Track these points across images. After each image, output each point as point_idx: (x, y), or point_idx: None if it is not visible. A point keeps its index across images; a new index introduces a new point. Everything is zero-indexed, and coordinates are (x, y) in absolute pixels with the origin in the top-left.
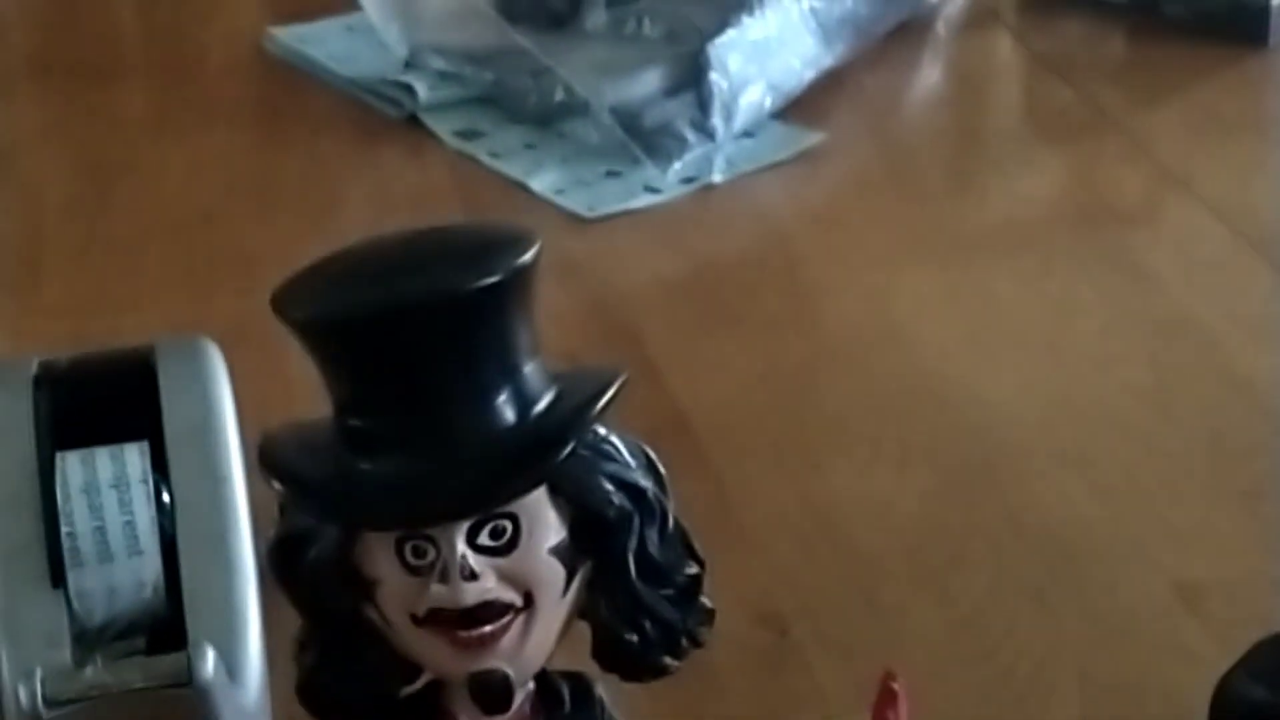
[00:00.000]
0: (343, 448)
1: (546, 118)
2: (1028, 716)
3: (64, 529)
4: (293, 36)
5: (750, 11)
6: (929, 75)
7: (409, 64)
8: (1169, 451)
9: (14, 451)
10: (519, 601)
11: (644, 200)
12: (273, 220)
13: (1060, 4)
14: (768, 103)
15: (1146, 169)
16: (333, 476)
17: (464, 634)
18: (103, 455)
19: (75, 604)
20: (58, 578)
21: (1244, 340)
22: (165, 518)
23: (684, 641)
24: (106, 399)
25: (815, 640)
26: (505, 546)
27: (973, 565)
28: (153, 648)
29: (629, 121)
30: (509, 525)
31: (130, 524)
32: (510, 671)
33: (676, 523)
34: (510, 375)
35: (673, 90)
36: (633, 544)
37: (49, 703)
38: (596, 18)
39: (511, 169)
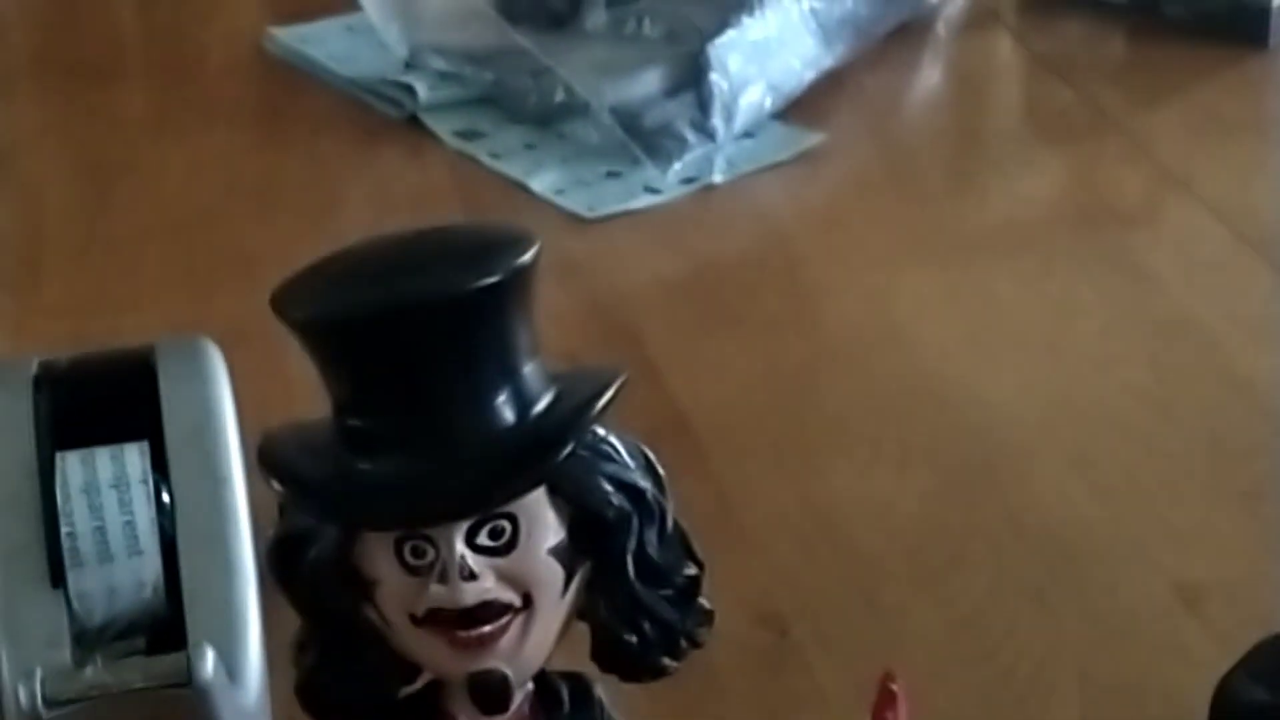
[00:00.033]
0: (342, 448)
1: (547, 118)
2: (1028, 717)
3: (64, 529)
4: (293, 36)
5: (750, 12)
6: (929, 76)
7: (409, 64)
8: (1169, 452)
9: (14, 451)
10: (518, 602)
11: (644, 200)
12: (273, 220)
13: (1060, 5)
14: (768, 103)
15: (1147, 170)
16: (332, 476)
17: (463, 634)
18: (103, 455)
19: (75, 604)
20: (57, 578)
21: (1244, 341)
22: (165, 518)
23: (683, 642)
24: (106, 399)
25: (815, 641)
26: (504, 547)
27: (973, 566)
28: (152, 648)
29: (629, 122)
30: (508, 525)
31: (130, 524)
32: (509, 672)
33: (675, 524)
34: (510, 375)
35: (673, 90)
36: (631, 545)
37: (49, 703)
38: (597, 18)
39: (512, 169)
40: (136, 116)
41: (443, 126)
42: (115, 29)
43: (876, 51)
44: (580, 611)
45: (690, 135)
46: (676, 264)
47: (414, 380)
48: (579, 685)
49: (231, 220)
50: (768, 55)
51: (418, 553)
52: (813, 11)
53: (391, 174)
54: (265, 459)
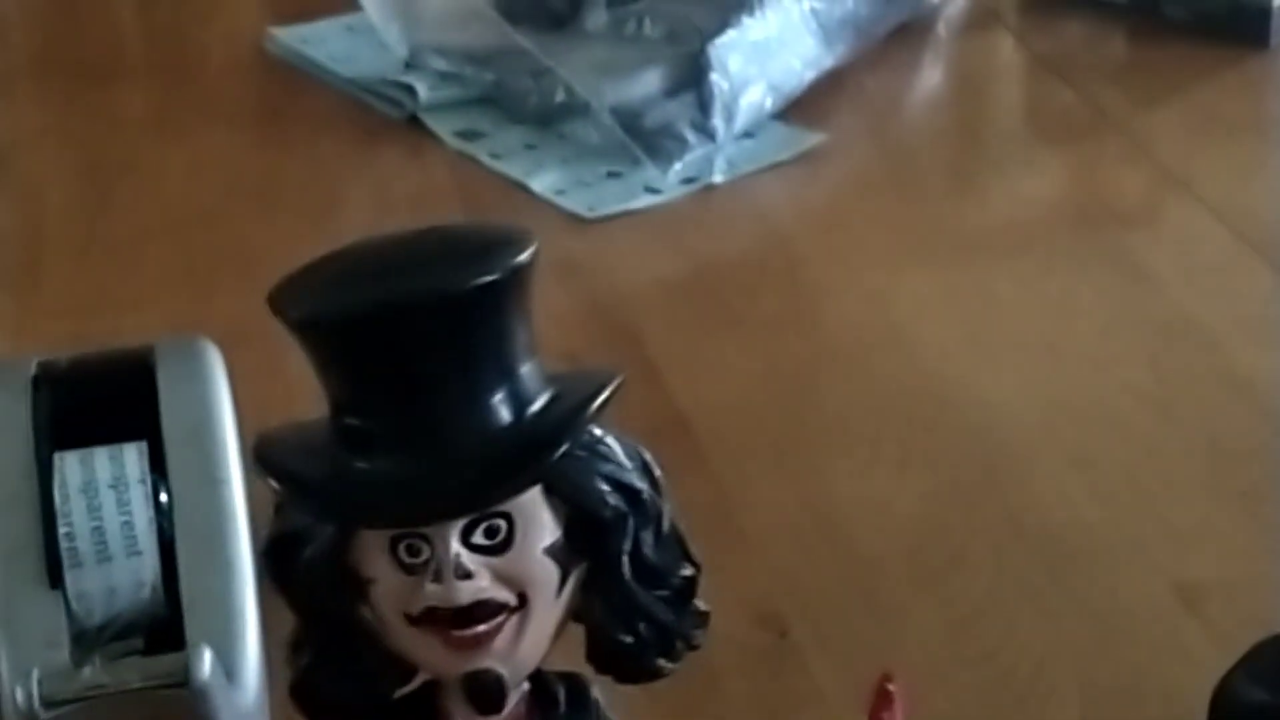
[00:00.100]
0: (338, 447)
1: (547, 118)
2: (1027, 717)
3: (62, 529)
4: (293, 37)
5: (751, 12)
6: (929, 76)
7: (409, 64)
8: (1169, 452)
9: (12, 451)
10: (513, 601)
11: (644, 201)
12: (273, 220)
13: (1061, 5)
14: (768, 103)
15: (1147, 170)
16: (328, 475)
17: (458, 633)
18: (101, 455)
19: (73, 604)
20: (56, 578)
21: (1244, 341)
22: (163, 518)
23: (679, 644)
24: (105, 399)
25: (815, 641)
26: (500, 546)
27: (972, 566)
28: (151, 648)
29: (629, 122)
30: (503, 525)
31: (128, 524)
32: (504, 672)
33: (672, 524)
34: (506, 375)
35: (673, 91)
36: (627, 545)
37: (47, 703)
38: (597, 18)
39: (512, 169)
40: (137, 116)
41: (443, 127)
42: (116, 29)
43: (877, 52)
44: (576, 613)
45: (690, 135)
46: (677, 264)
47: (410, 379)
48: (575, 685)
49: (232, 220)
50: (768, 55)
51: (413, 551)
52: (813, 11)
53: (392, 174)
54: (262, 458)
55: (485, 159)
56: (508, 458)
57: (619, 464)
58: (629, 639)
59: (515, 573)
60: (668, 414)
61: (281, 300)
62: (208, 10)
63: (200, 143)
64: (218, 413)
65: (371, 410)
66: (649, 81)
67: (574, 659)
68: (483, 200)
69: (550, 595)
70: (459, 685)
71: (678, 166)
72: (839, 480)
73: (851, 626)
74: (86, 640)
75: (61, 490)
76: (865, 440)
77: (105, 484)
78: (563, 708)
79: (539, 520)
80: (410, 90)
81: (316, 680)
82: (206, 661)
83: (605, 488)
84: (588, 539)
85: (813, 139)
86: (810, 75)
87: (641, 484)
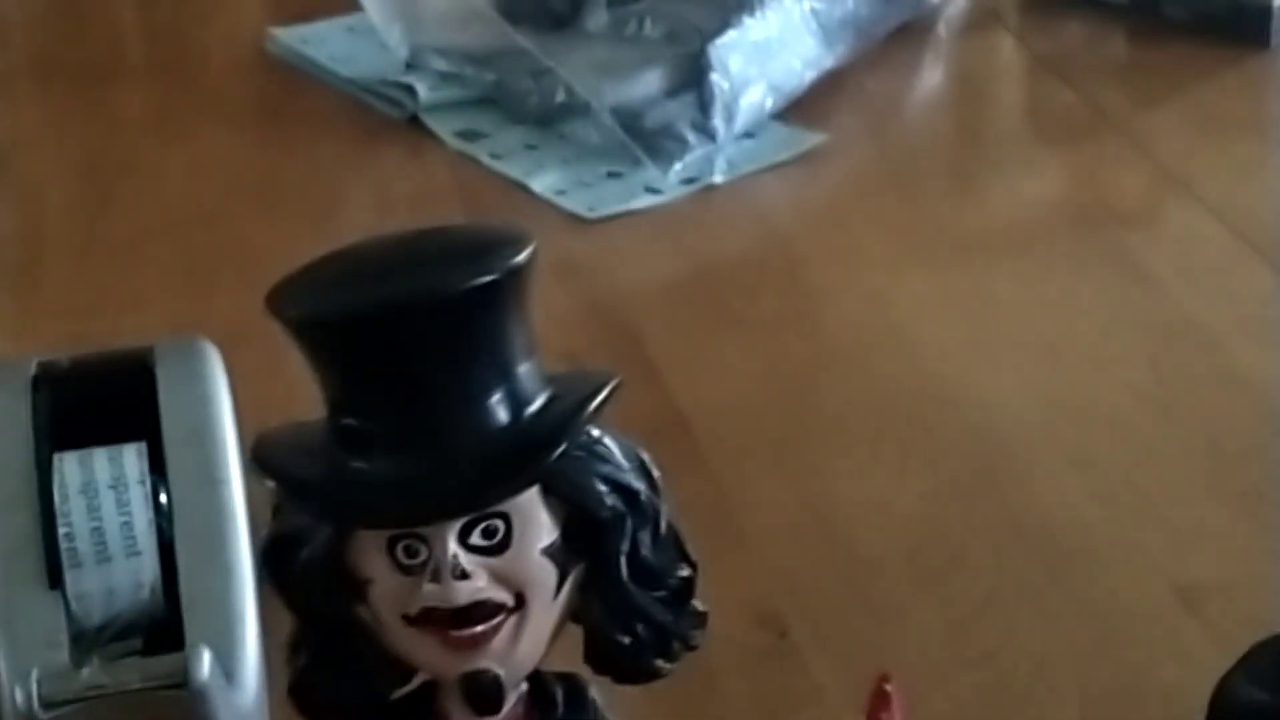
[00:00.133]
0: (336, 447)
1: (547, 118)
2: (1027, 718)
3: (61, 529)
4: (294, 37)
5: (751, 12)
6: (930, 76)
7: (410, 65)
8: (1169, 453)
9: (12, 452)
10: (511, 602)
11: (645, 201)
12: (273, 221)
13: (1061, 5)
14: (769, 104)
15: (1147, 170)
16: (326, 476)
17: (455, 634)
18: (100, 456)
19: (73, 605)
20: (55, 578)
21: (1244, 342)
22: (163, 519)
23: (676, 644)
24: (105, 400)
25: (814, 641)
26: (497, 546)
27: (972, 567)
28: (150, 649)
29: (630, 122)
30: (501, 525)
31: (128, 525)
32: (502, 672)
33: (670, 525)
34: (504, 376)
35: (674, 91)
36: (625, 546)
37: (46, 704)
38: (597, 18)
39: (512, 170)
40: (137, 116)
41: (443, 127)
42: (116, 29)
43: (877, 52)
44: (574, 613)
45: (691, 136)
46: (677, 264)
47: (408, 380)
48: (573, 686)
49: (232, 220)
50: (768, 56)
51: (410, 552)
52: (814, 12)
53: (392, 174)
54: (259, 458)
55: (485, 159)
56: (506, 458)
57: (617, 464)
58: (627, 639)
59: (513, 573)
60: (668, 414)
61: (279, 301)
62: (208, 10)
63: (200, 143)
64: (217, 413)
65: (369, 411)
66: (649, 82)
67: (572, 659)
68: (483, 200)
69: (548, 596)
70: (457, 686)
71: (678, 167)
72: (839, 480)
73: (851, 627)
74: (86, 641)
75: (61, 491)
76: (865, 440)
77: (105, 484)
78: (561, 708)
79: (537, 521)
80: (411, 90)
81: (315, 681)
82: (205, 662)
83: (603, 488)
84: (585, 539)
85: (813, 139)
86: (810, 75)
87: (639, 484)
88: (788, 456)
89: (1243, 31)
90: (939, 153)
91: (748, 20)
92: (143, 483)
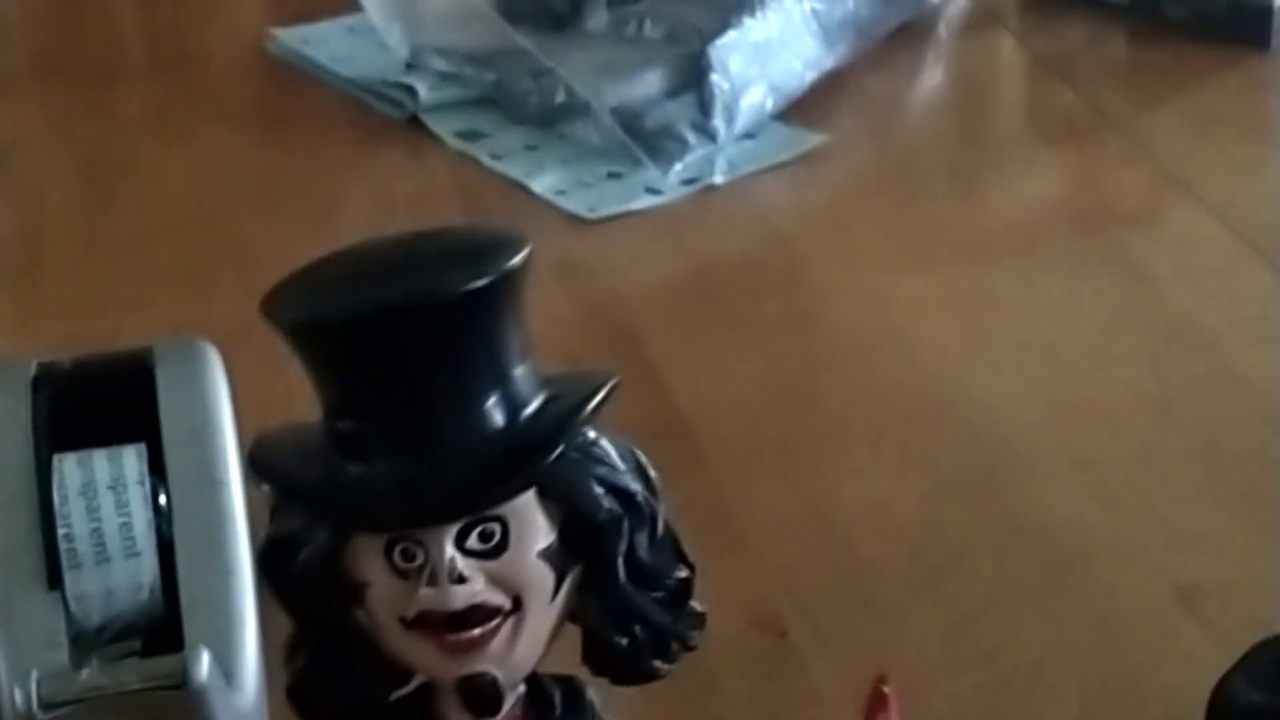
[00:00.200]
0: (333, 450)
1: (547, 119)
2: (1026, 718)
3: (61, 530)
4: (294, 37)
5: (751, 13)
6: (930, 77)
7: (410, 65)
8: (1169, 454)
9: (11, 453)
10: (508, 605)
11: (645, 202)
12: (273, 221)
13: (1061, 5)
14: (769, 104)
15: (1147, 171)
16: (323, 479)
17: (452, 637)
18: (100, 457)
19: (72, 605)
20: (55, 579)
21: (1244, 342)
22: (162, 520)
23: (674, 645)
24: (104, 401)
25: (814, 642)
26: (494, 550)
27: (972, 568)
28: (149, 650)
29: (630, 123)
30: (498, 528)
31: (127, 526)
32: (499, 675)
33: (667, 526)
34: (500, 378)
35: (674, 91)
36: (622, 548)
37: (45, 704)
38: (598, 19)
39: (512, 170)
40: (137, 117)
41: (443, 127)
42: (116, 29)
43: (878, 52)
44: (572, 614)
45: (691, 136)
46: (677, 265)
47: (404, 383)
48: (571, 688)
49: (232, 221)
50: (769, 56)
51: (407, 555)
52: (814, 12)
53: (392, 175)
54: (256, 461)
55: (486, 160)
56: (502, 461)
57: (613, 466)
58: (624, 641)
59: (510, 576)
60: (668, 415)
61: (274, 305)
62: (209, 11)
63: (201, 143)
64: (217, 414)
65: (365, 414)
66: (650, 82)
67: (570, 661)
68: (483, 201)
69: (545, 598)
70: (455, 688)
71: (678, 167)
72: (839, 481)
73: (851, 627)
74: (85, 642)
75: (60, 492)
76: (865, 441)
77: (104, 486)
78: (559, 710)
79: (534, 524)
80: (411, 91)
81: (313, 683)
82: (204, 663)
83: (600, 490)
84: (583, 542)
85: (813, 140)
86: (811, 76)
87: (636, 486)
88: (788, 457)
89: (1243, 32)
90: (939, 153)
91: (748, 21)
92: (142, 484)
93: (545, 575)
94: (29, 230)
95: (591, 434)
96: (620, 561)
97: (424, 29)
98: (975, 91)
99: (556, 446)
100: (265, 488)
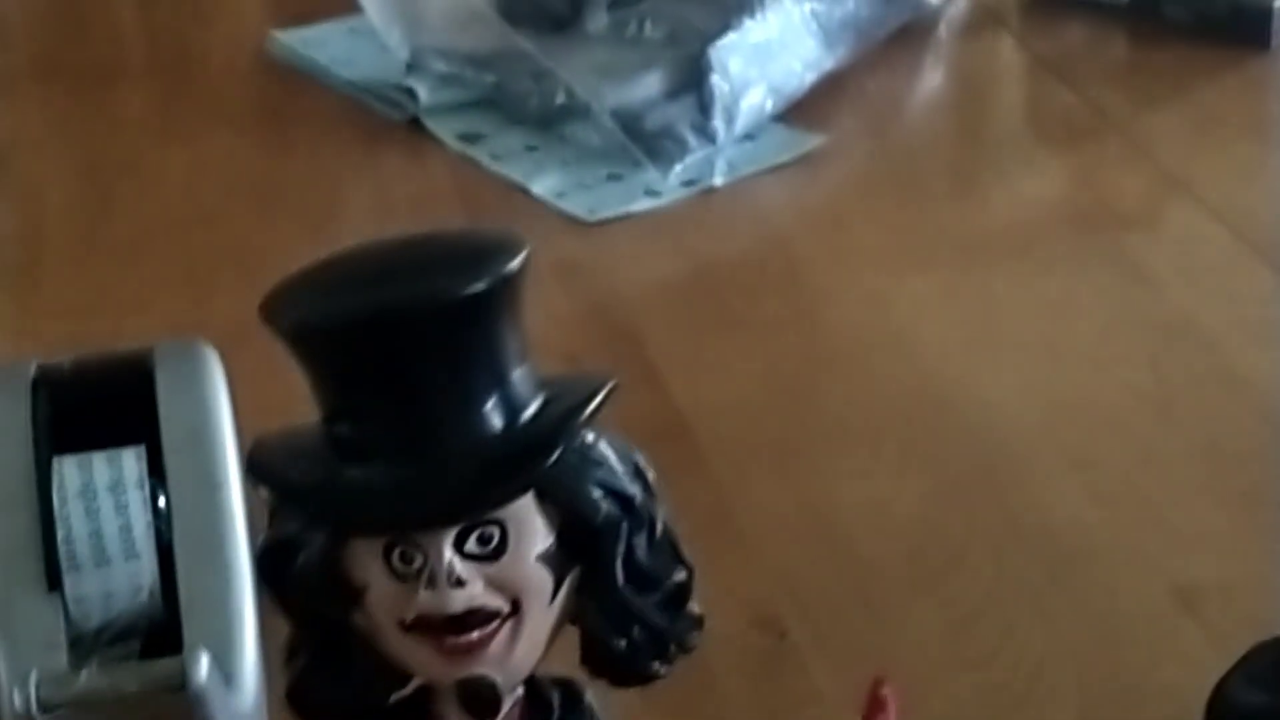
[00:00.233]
0: (331, 454)
1: (548, 120)
2: (1026, 719)
3: (60, 532)
4: (295, 39)
5: (751, 14)
6: (930, 78)
7: (410, 67)
8: (1168, 454)
9: (11, 455)
10: (506, 608)
11: (645, 203)
12: (274, 222)
13: (1062, 7)
14: (769, 105)
15: (1148, 171)
16: (321, 482)
17: (451, 640)
18: (99, 459)
19: (71, 608)
20: (54, 581)
21: (1244, 343)
22: (162, 522)
23: (672, 648)
24: (104, 403)
25: (813, 643)
26: (493, 553)
27: (972, 568)
28: (148, 652)
29: (630, 124)
30: (496, 532)
31: (126, 528)
32: (498, 678)
33: (665, 529)
34: (498, 381)
35: (674, 93)
36: (621, 550)
37: (44, 707)
38: (598, 20)
39: (512, 172)
40: (138, 118)
41: (444, 129)
42: (117, 30)
43: (878, 53)
44: (570, 616)
45: (691, 138)
46: (677, 266)
47: (402, 386)
48: (570, 691)
49: (232, 222)
50: (769, 57)
51: (406, 559)
52: (814, 14)
53: (393, 177)
54: (255, 465)
55: (486, 161)
56: (501, 464)
57: (612, 469)
58: (623, 643)
59: (508, 580)
60: (668, 416)
61: (272, 308)
62: (209, 12)
63: (201, 144)
64: (216, 417)
65: (363, 417)
66: (649, 84)
67: (569, 664)
68: (483, 203)
69: (544, 602)
70: (453, 691)
71: (678, 169)
72: (839, 481)
73: (851, 628)
74: (84, 644)
75: (59, 494)
76: (865, 441)
77: (103, 488)
78: (557, 712)
79: (532, 527)
80: (411, 93)
81: (312, 685)
82: (204, 665)
83: (598, 493)
84: (581, 544)
85: (813, 141)
86: (811, 77)
87: (634, 489)
88: (788, 457)
89: (1243, 33)
90: (939, 154)
91: (748, 22)
92: (141, 486)
93: (544, 578)
94: (29, 231)
95: (590, 437)
96: (619, 564)
97: (424, 30)
98: (975, 92)
99: (555, 449)
100: (263, 492)
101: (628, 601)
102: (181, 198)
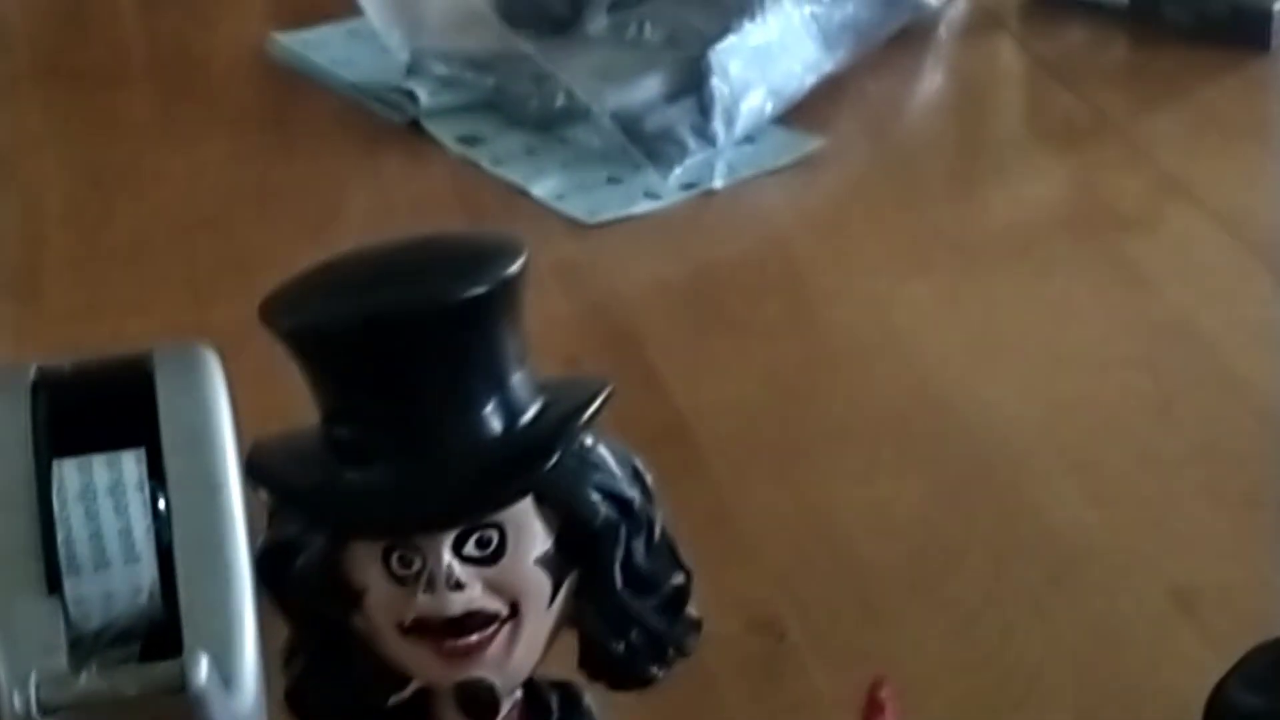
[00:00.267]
0: (330, 456)
1: (548, 123)
2: None
3: (60, 535)
4: (296, 42)
5: (752, 17)
6: (930, 80)
7: (411, 69)
8: (1167, 456)
9: (11, 458)
10: (505, 611)
11: (645, 206)
12: (274, 225)
13: (1062, 9)
14: (769, 108)
15: (1147, 174)
16: (320, 485)
17: (450, 643)
18: (99, 462)
19: (71, 610)
20: (54, 584)
21: (1243, 346)
22: (161, 525)
23: (670, 651)
24: (104, 406)
25: (812, 646)
26: (491, 556)
27: (970, 571)
28: (148, 654)
29: (630, 127)
30: (495, 535)
31: (126, 530)
32: (496, 681)
33: (663, 533)
34: (497, 385)
35: (674, 95)
36: (619, 554)
37: (44, 709)
38: (598, 23)
39: (513, 174)
40: (139, 122)
41: (444, 132)
42: (118, 34)
43: (878, 56)
44: (569, 620)
45: (691, 140)
46: (677, 269)
47: (401, 389)
48: (568, 694)
49: (233, 225)
50: (769, 60)
51: (405, 562)
52: (814, 16)
53: (393, 179)
54: (254, 468)
55: (486, 164)
56: (499, 468)
57: (610, 473)
58: (621, 647)
59: (507, 583)
60: (668, 418)
61: (272, 310)
62: (210, 15)
63: (201, 147)
64: (216, 419)
65: (362, 420)
66: (649, 86)
67: (567, 667)
68: (483, 205)
69: (542, 605)
70: (452, 694)
71: (678, 171)
72: (838, 484)
73: (849, 630)
74: (84, 646)
75: (60, 497)
76: (864, 443)
77: (103, 490)
78: (556, 715)
79: (530, 530)
80: (412, 95)
81: (310, 688)
82: (203, 668)
83: (596, 497)
84: (579, 548)
85: (813, 144)
86: (811, 80)
87: (633, 492)
88: (787, 459)
89: (1243, 35)
90: (939, 157)
91: (748, 25)
92: (141, 489)
93: (542, 581)
94: (30, 233)
95: (588, 440)
96: (617, 568)
97: (425, 33)
98: (975, 95)
99: (554, 453)
100: (262, 494)
101: (626, 605)
102: (182, 200)
